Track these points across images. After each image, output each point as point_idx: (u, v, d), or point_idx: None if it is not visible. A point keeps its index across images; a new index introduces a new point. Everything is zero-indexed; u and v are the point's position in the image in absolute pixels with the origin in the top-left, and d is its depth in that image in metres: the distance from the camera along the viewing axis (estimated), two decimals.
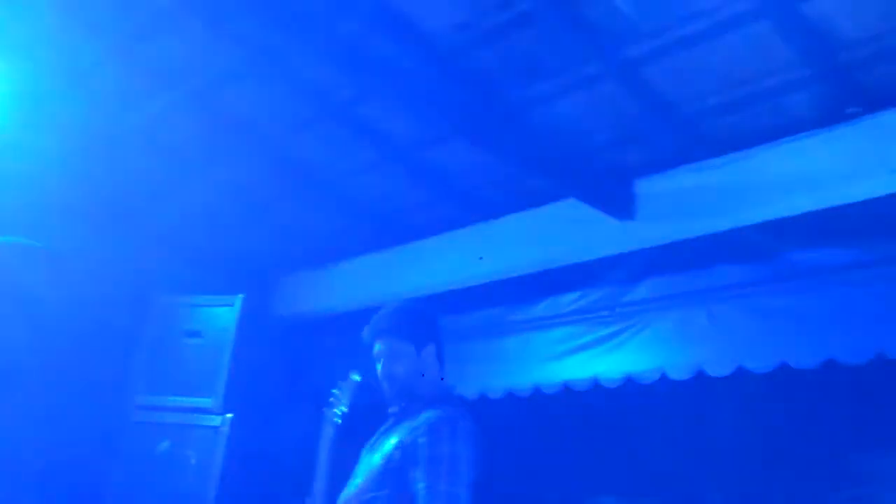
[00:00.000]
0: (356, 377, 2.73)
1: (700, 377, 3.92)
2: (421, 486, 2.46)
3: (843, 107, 3.33)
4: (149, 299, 4.87)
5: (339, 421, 2.70)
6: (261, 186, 4.67)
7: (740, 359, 3.79)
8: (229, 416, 4.42)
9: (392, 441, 2.63)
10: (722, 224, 3.71)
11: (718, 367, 3.87)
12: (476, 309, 4.79)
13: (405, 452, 2.56)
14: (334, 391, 2.74)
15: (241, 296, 4.82)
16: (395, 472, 2.54)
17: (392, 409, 2.79)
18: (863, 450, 4.24)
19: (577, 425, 4.69)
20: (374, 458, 2.65)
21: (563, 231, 4.16)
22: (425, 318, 2.84)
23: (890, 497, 4.08)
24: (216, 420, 4.39)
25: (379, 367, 2.76)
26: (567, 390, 4.32)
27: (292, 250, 5.28)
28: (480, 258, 4.46)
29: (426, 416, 2.62)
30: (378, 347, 2.77)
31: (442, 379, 2.79)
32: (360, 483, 2.64)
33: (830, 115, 3.38)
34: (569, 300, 4.42)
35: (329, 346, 5.01)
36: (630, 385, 4.13)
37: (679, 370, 3.97)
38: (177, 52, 3.66)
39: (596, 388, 4.22)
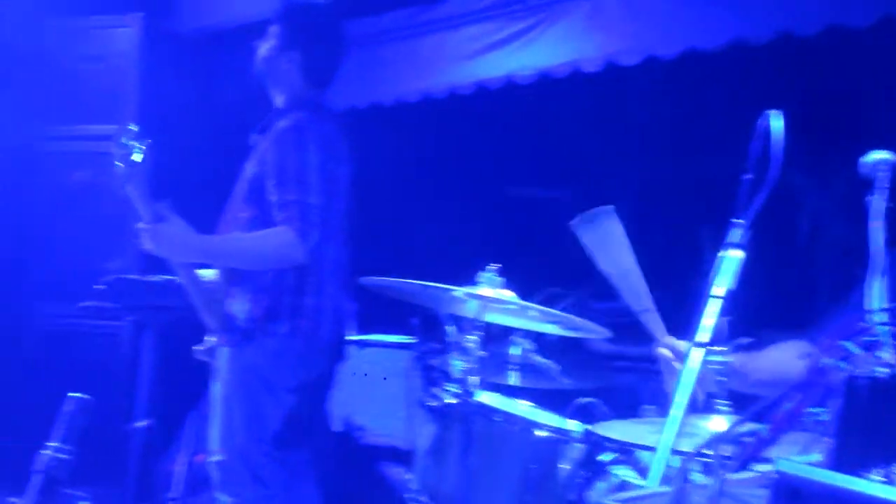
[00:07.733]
0: (133, 126, 2.58)
1: (610, 68, 3.88)
2: (273, 199, 2.45)
3: None
4: (42, 24, 4.58)
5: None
6: None
7: (650, 47, 3.73)
8: (147, 141, 4.39)
9: (255, 157, 2.60)
10: None
11: (629, 57, 3.82)
12: (387, 10, 4.57)
13: (261, 167, 2.54)
14: (121, 140, 2.56)
15: (140, 14, 4.56)
16: (258, 191, 2.52)
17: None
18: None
19: (492, 125, 4.70)
20: (244, 176, 2.63)
21: None
22: (299, 22, 2.68)
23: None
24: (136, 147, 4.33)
25: None
26: (481, 90, 4.27)
27: None
28: None
29: (276, 126, 2.56)
30: None
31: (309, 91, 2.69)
32: (231, 204, 2.64)
33: None
34: None
35: (241, 62, 4.80)
36: (544, 81, 4.08)
37: (591, 63, 3.92)
38: None
39: (510, 86, 4.18)
